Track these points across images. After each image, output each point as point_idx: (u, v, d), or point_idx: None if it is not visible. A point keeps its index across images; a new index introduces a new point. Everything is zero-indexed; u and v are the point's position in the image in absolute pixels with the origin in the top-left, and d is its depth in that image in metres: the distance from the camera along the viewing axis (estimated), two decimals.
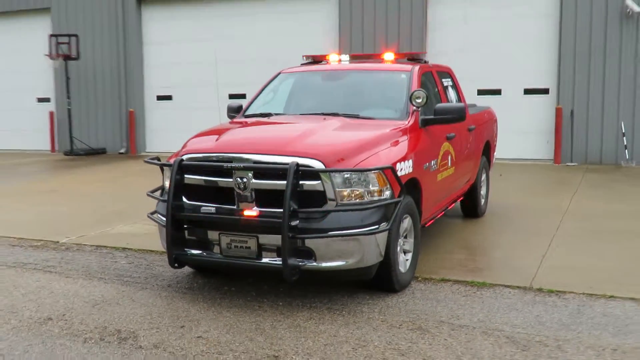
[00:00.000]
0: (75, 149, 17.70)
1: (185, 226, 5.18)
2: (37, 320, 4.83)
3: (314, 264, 4.83)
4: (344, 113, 6.05)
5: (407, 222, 5.48)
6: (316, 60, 7.39)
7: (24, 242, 7.53)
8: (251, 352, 4.16)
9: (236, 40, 16.63)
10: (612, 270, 5.97)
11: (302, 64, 7.41)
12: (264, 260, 4.91)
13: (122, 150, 17.93)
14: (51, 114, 19.01)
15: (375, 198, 4.92)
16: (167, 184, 5.37)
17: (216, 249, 5.08)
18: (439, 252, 6.62)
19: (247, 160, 4.96)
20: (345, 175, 4.83)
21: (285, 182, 4.67)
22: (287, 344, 4.27)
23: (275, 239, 4.76)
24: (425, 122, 6.02)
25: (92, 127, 18.47)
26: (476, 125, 7.84)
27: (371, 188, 4.90)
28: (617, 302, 5.04)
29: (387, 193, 5.00)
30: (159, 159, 5.72)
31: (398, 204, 5.04)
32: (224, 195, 5.06)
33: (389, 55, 7.08)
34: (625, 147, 13.40)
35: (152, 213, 5.68)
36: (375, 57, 7.55)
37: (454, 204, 7.46)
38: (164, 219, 5.12)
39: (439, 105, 6.09)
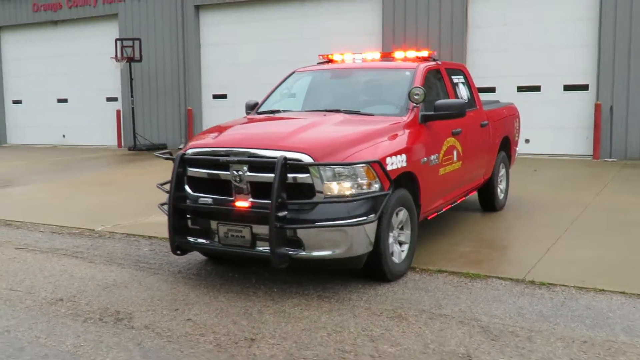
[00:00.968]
0: (138, 145, 18.88)
1: (188, 216, 5.52)
2: (50, 300, 5.25)
3: (304, 253, 5.08)
4: (345, 109, 6.28)
5: (402, 215, 5.66)
6: (331, 59, 7.62)
7: (65, 229, 8.06)
8: (231, 334, 4.44)
9: (284, 42, 17.30)
10: (613, 263, 5.99)
11: (318, 63, 7.66)
12: (258, 248, 5.20)
13: (181, 146, 18.66)
14: (118, 112, 20.18)
15: (364, 191, 5.13)
16: None
17: (215, 238, 5.40)
18: (445, 244, 6.76)
19: (243, 154, 5.25)
20: (333, 169, 5.05)
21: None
22: (267, 328, 4.54)
23: (267, 229, 5.03)
24: (426, 118, 6.17)
25: (154, 124, 19.53)
26: (491, 121, 7.91)
27: (359, 181, 5.11)
28: (605, 296, 5.09)
29: (376, 186, 5.19)
30: (171, 154, 6.07)
31: (386, 197, 5.23)
32: (224, 187, 5.36)
33: (399, 54, 7.26)
34: None
35: (163, 204, 6.04)
36: (389, 55, 7.71)
37: (464, 198, 7.55)
38: None
39: (439, 101, 6.22)
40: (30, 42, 22.23)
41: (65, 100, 21.81)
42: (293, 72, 7.44)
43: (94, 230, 7.91)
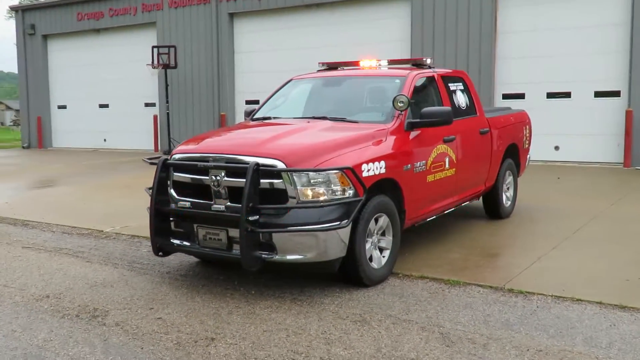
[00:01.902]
0: (172, 149, 19.16)
1: (172, 219, 5.71)
2: (37, 297, 5.50)
3: (277, 257, 5.20)
4: (331, 117, 6.38)
5: (382, 221, 5.71)
6: (331, 67, 7.73)
7: (75, 230, 8.38)
8: (194, 333, 4.58)
9: (314, 49, 17.49)
10: (599, 273, 5.91)
11: (318, 71, 7.77)
12: (234, 251, 5.35)
13: None
14: (155, 117, 20.79)
15: (337, 197, 5.21)
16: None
17: (196, 240, 5.57)
18: (436, 250, 6.77)
19: (221, 159, 5.41)
20: (307, 175, 5.16)
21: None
22: (230, 329, 4.66)
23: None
24: (412, 125, 6.21)
25: (189, 129, 20.03)
26: (494, 128, 7.87)
27: (333, 187, 5.19)
28: (580, 306, 5.03)
29: (350, 192, 5.27)
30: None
31: (359, 202, 5.30)
32: (205, 192, 5.53)
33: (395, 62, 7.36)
34: None
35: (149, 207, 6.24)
36: (397, 62, 7.77)
37: (464, 204, 7.54)
38: None
39: (425, 109, 6.24)
40: (74, 50, 23.15)
41: (106, 106, 22.59)
42: (291, 80, 7.58)
43: (102, 231, 8.21)
